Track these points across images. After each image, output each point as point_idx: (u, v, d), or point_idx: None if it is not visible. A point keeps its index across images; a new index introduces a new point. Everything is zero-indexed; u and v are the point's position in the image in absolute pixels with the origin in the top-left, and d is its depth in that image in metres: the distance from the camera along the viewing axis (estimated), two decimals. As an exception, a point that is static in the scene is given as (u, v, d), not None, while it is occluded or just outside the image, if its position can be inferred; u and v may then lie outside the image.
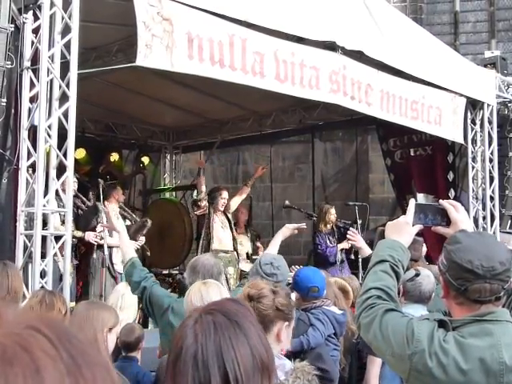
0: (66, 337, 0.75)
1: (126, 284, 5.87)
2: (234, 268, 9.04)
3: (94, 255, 8.12)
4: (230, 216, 9.50)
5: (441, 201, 2.61)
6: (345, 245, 9.55)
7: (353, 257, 9.40)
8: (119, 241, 5.04)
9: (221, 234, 9.09)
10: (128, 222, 8.83)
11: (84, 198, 8.40)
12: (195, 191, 9.61)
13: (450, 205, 2.57)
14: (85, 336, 0.81)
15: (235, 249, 9.24)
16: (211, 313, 1.47)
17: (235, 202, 9.73)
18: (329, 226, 9.86)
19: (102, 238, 8.01)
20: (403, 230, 2.54)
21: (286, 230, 5.32)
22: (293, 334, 4.23)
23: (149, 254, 9.22)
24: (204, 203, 9.21)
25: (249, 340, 1.43)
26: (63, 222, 6.14)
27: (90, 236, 8.02)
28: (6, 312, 0.77)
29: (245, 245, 9.76)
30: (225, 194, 9.28)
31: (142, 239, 8.55)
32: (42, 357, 0.71)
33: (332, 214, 9.87)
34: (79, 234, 7.87)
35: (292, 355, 4.13)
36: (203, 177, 9.67)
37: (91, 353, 0.77)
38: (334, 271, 9.03)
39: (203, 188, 9.32)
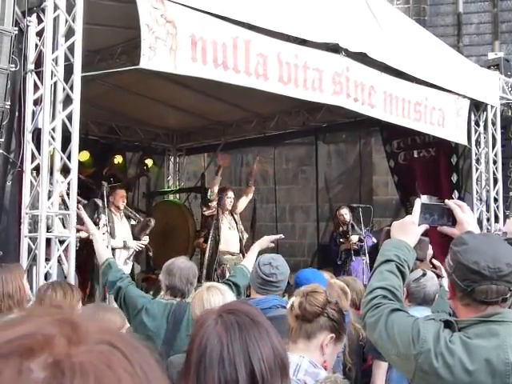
0: (136, 351, 0.76)
1: None
2: None
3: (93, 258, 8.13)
4: (237, 217, 9.52)
5: (446, 201, 2.60)
6: (346, 246, 9.68)
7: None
8: (94, 243, 5.16)
9: (228, 235, 9.14)
10: (133, 222, 8.86)
11: (80, 198, 8.37)
12: (208, 191, 9.63)
13: (455, 205, 2.57)
14: (142, 345, 0.80)
15: (241, 251, 9.25)
16: (233, 313, 1.49)
17: (242, 203, 9.80)
18: (345, 227, 10.02)
19: (103, 234, 8.00)
20: (409, 230, 2.54)
21: (264, 242, 5.32)
22: None
23: (151, 253, 9.23)
24: (214, 204, 9.29)
25: (270, 339, 1.45)
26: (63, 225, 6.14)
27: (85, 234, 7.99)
28: (86, 324, 0.76)
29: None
30: (230, 194, 9.35)
31: (146, 239, 8.55)
32: (123, 375, 0.71)
33: (341, 214, 10.07)
34: (84, 234, 7.84)
35: None
36: (219, 177, 9.74)
37: (153, 364, 0.77)
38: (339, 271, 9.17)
39: (216, 189, 9.40)
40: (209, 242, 9.17)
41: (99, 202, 8.26)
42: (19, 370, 0.67)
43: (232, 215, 9.44)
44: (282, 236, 5.70)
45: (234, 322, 1.45)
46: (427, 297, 4.45)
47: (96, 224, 8.03)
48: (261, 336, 1.44)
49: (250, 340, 1.42)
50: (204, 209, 9.64)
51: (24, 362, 0.68)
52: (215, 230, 9.13)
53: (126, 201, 8.92)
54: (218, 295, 3.50)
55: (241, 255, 9.15)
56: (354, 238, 9.75)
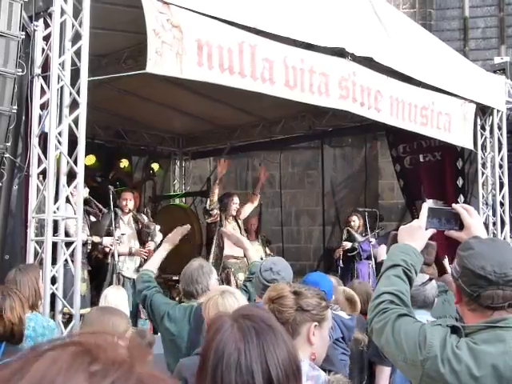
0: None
1: (112, 287, 5.98)
2: (244, 274, 9.04)
3: (109, 261, 8.16)
4: (240, 222, 9.54)
5: (454, 205, 2.60)
6: (338, 251, 9.97)
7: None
8: (157, 251, 5.24)
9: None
10: (141, 226, 8.82)
11: (100, 206, 8.40)
12: (208, 201, 9.55)
13: (463, 209, 2.56)
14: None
15: (245, 255, 9.24)
16: (249, 318, 1.49)
17: (247, 210, 9.83)
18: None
19: (119, 244, 8.05)
20: (416, 235, 2.53)
21: (175, 236, 5.24)
22: None
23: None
24: (215, 211, 9.26)
25: (286, 345, 1.45)
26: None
27: (107, 241, 8.04)
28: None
29: (258, 251, 9.79)
30: (236, 200, 9.39)
31: (151, 245, 8.49)
32: None
33: (351, 221, 10.41)
34: (97, 239, 7.88)
35: None
36: (218, 186, 9.65)
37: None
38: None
39: (215, 198, 9.32)
40: (213, 247, 9.19)
41: (119, 211, 8.30)
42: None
43: (236, 220, 9.46)
44: (189, 226, 5.58)
45: (250, 327, 1.45)
46: (427, 300, 4.47)
47: (109, 232, 8.09)
48: (277, 341, 1.44)
49: (267, 346, 1.42)
50: (206, 217, 9.59)
51: None
52: (219, 235, 9.11)
53: (134, 202, 8.86)
54: (233, 300, 3.51)
55: (245, 259, 9.15)
56: (347, 245, 10.03)
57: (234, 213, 9.35)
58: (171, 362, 4.21)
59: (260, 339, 1.43)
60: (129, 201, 8.69)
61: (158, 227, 8.69)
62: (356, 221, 10.33)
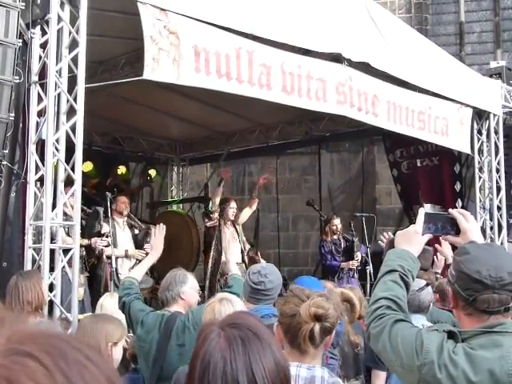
0: (62, 357, 0.71)
1: (107, 294, 5.99)
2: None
3: (101, 268, 8.15)
4: (239, 228, 9.53)
5: (450, 210, 2.61)
6: (353, 263, 9.56)
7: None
8: (145, 259, 5.27)
9: (231, 245, 9.07)
10: (136, 231, 8.85)
11: (83, 207, 8.41)
12: (210, 202, 9.60)
13: (459, 214, 2.57)
14: (88, 347, 0.76)
15: (244, 261, 9.24)
16: (235, 327, 1.48)
17: (246, 214, 9.81)
18: (335, 237, 9.93)
19: (108, 245, 8.01)
20: (413, 240, 2.54)
21: (157, 244, 5.16)
22: None
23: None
24: (216, 215, 9.30)
25: (273, 353, 1.44)
26: (68, 234, 6.17)
27: (96, 242, 8.02)
28: (1, 333, 0.73)
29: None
30: (233, 204, 9.37)
31: (148, 247, 8.52)
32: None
33: (334, 224, 9.96)
34: (85, 241, 7.84)
35: None
36: (221, 189, 9.70)
37: (92, 368, 0.73)
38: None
39: (218, 200, 9.38)
40: (211, 252, 9.19)
41: (101, 210, 8.28)
42: None
43: (234, 226, 9.45)
44: (164, 226, 5.43)
45: (236, 336, 1.45)
46: (422, 305, 4.50)
47: (98, 233, 8.08)
48: (263, 350, 1.44)
49: (253, 355, 1.41)
50: (206, 220, 9.63)
51: None
52: (217, 240, 9.15)
53: (129, 207, 8.90)
54: (229, 307, 3.52)
55: (243, 265, 9.14)
56: (358, 255, 9.62)
57: (232, 217, 9.34)
58: (143, 368, 4.27)
59: (246, 348, 1.42)
60: (127, 205, 8.79)
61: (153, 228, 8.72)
62: (338, 224, 9.98)
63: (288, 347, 2.66)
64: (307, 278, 5.04)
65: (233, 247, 9.11)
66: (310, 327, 2.59)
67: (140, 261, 7.79)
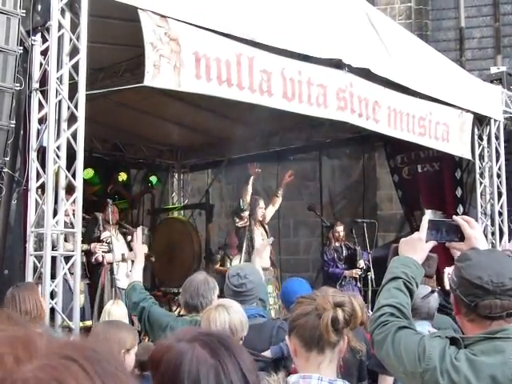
0: (99, 364, 0.75)
1: (112, 302, 5.97)
2: (273, 286, 8.75)
3: (101, 274, 8.15)
4: (267, 228, 9.24)
5: (454, 217, 2.60)
6: (357, 272, 9.47)
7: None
8: (134, 263, 5.06)
9: (261, 247, 8.61)
10: (129, 238, 8.83)
11: (83, 214, 8.39)
12: (240, 201, 9.13)
13: (463, 221, 2.57)
14: (113, 356, 0.80)
15: (273, 263, 8.99)
16: (204, 340, 1.48)
17: (269, 213, 9.45)
18: (337, 244, 9.88)
19: (109, 250, 8.01)
20: (417, 247, 2.53)
21: (138, 247, 5.01)
22: (274, 342, 4.23)
23: (153, 259, 9.14)
24: (246, 214, 8.93)
25: (242, 366, 1.44)
26: (65, 239, 6.15)
27: (95, 247, 8.01)
28: (41, 339, 0.76)
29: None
30: (262, 204, 9.10)
31: (144, 248, 8.51)
32: None
33: (337, 231, 9.91)
34: (85, 247, 7.82)
35: (273, 362, 4.11)
36: (251, 186, 9.29)
37: (123, 377, 0.77)
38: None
39: (248, 198, 9.02)
40: (242, 254, 8.68)
41: (99, 216, 8.28)
42: None
43: (263, 226, 9.12)
44: (141, 227, 5.39)
45: (214, 341, 1.46)
46: (431, 311, 4.53)
47: (98, 238, 8.08)
48: (241, 349, 1.47)
49: (237, 354, 1.43)
50: (237, 220, 9.13)
51: None
52: (249, 241, 8.71)
53: (117, 215, 8.81)
54: (224, 314, 3.48)
55: (271, 269, 8.90)
56: (361, 264, 9.43)
57: (261, 218, 9.00)
58: None
59: (229, 350, 1.43)
60: (116, 213, 8.72)
61: (145, 228, 8.73)
62: (341, 232, 9.89)
63: (303, 354, 2.52)
64: (296, 281, 5.05)
65: (264, 249, 8.69)
66: (330, 314, 2.48)
67: None
